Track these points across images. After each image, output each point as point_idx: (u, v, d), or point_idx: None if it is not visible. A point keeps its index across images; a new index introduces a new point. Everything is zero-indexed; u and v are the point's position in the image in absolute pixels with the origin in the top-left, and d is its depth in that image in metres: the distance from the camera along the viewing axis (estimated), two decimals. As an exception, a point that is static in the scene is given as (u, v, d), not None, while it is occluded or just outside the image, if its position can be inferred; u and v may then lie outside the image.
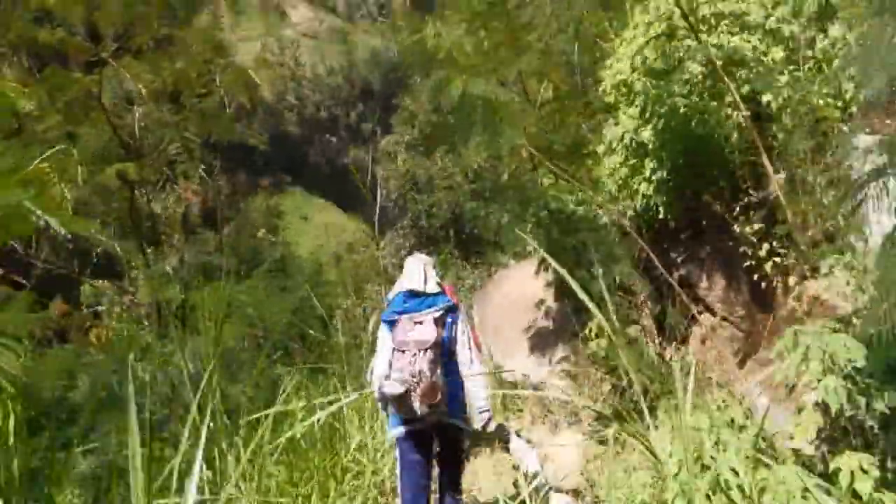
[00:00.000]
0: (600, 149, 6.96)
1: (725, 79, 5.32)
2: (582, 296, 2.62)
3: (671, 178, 5.92)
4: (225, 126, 18.30)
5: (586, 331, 7.27)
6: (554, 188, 6.72)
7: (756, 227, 5.32)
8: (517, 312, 8.88)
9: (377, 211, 14.34)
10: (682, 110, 5.75)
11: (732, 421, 3.20)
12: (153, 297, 9.05)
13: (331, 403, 4.14)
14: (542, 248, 6.67)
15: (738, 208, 5.47)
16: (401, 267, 4.00)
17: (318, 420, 4.04)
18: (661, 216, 6.05)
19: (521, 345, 8.35)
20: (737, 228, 5.32)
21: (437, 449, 3.66)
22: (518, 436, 6.14)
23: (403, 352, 3.38)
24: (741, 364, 5.28)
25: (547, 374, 7.92)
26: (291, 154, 29.55)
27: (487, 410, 3.68)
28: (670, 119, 5.80)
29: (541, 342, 8.17)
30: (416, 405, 3.31)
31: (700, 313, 5.68)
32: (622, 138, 6.22)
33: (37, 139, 10.71)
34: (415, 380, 3.30)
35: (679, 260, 6.04)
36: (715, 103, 5.69)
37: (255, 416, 3.90)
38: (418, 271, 3.69)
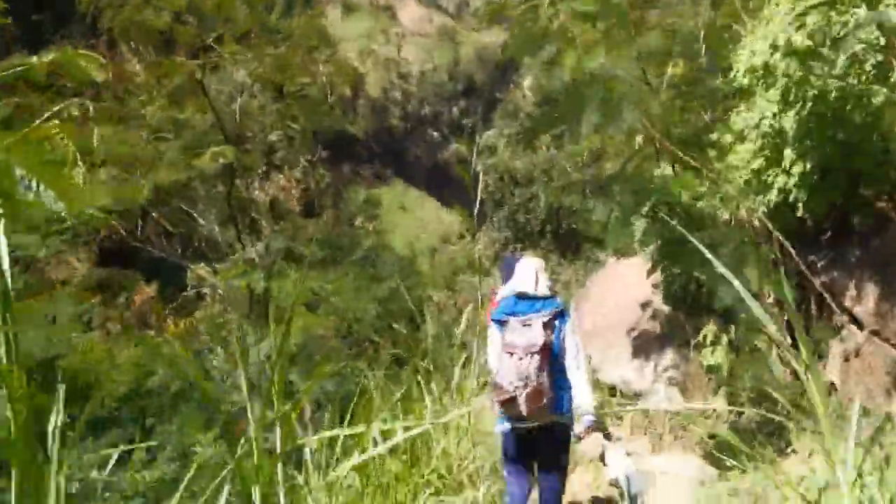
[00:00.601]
0: (726, 138, 6.25)
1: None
2: (738, 287, 2.07)
3: (815, 171, 5.16)
4: (327, 116, 18.41)
5: (699, 337, 6.58)
6: (679, 181, 6.05)
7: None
8: (618, 313, 8.27)
9: (476, 205, 14.03)
10: (833, 94, 5.01)
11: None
12: (233, 284, 8.96)
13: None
14: (658, 245, 6.06)
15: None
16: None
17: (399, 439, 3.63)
18: (798, 214, 5.30)
19: (623, 348, 7.75)
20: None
21: (540, 451, 3.59)
22: (611, 440, 5.63)
23: (511, 354, 3.41)
24: (896, 387, 4.48)
25: (651, 382, 7.28)
26: (393, 147, 29.82)
27: (592, 415, 3.57)
28: (819, 104, 5.07)
29: (645, 347, 7.55)
30: (523, 408, 3.34)
31: (844, 326, 4.89)
32: (758, 125, 5.52)
33: (142, 125, 11.04)
34: (522, 383, 3.34)
35: (820, 265, 5.26)
36: (879, 87, 4.88)
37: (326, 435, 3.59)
38: (530, 274, 3.67)
